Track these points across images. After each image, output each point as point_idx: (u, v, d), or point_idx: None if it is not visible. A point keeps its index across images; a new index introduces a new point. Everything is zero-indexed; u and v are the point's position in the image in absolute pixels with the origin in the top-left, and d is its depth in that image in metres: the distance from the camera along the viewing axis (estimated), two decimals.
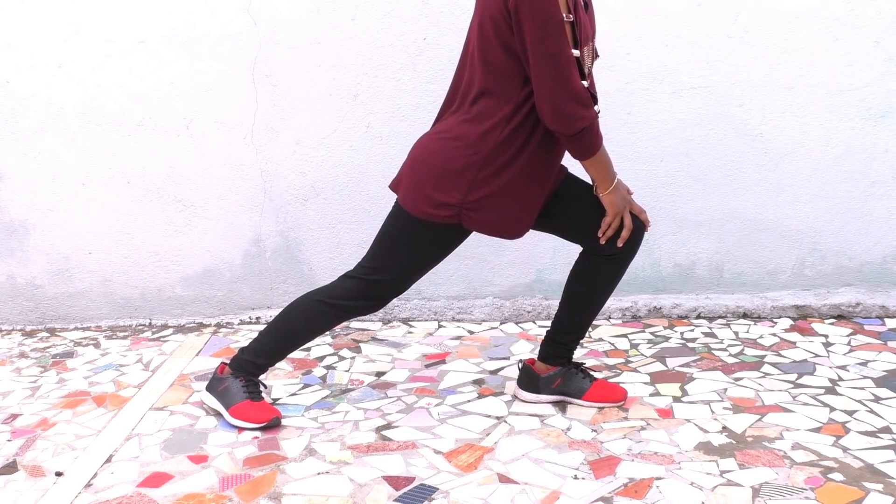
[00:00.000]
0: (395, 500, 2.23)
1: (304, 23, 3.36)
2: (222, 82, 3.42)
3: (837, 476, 2.25)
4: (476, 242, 3.47)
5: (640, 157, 3.41)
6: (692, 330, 3.34)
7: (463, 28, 3.32)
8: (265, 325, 3.21)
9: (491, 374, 2.99)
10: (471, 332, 3.41)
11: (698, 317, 3.46)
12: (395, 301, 3.55)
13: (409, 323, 3.54)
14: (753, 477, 2.26)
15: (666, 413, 2.63)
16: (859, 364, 2.95)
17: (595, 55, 2.43)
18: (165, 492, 2.31)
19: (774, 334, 3.26)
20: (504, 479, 2.31)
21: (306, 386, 2.95)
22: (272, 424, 2.61)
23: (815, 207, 3.42)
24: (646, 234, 3.43)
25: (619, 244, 2.50)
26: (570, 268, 3.52)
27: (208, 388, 2.72)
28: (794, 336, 3.24)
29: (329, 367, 3.10)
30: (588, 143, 2.33)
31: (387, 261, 2.50)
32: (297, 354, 3.21)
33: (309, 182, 3.49)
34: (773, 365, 2.97)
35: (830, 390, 2.76)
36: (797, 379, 2.85)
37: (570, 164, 2.52)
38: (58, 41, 3.41)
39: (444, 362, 3.11)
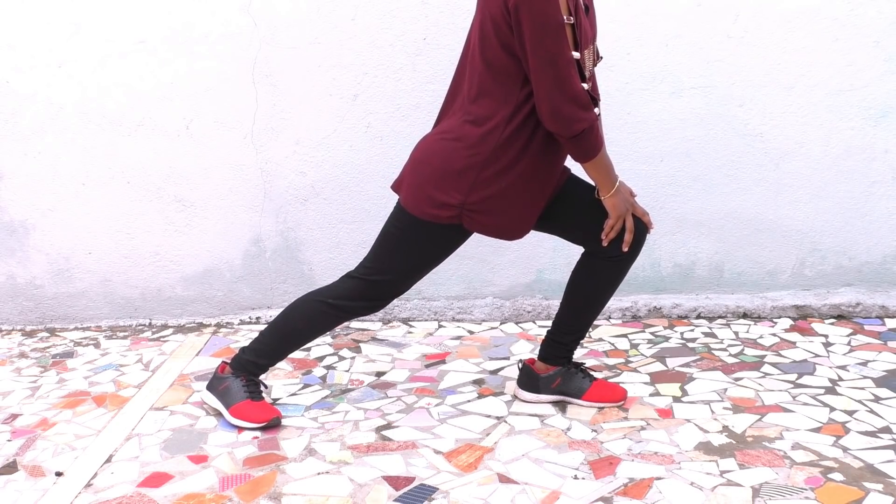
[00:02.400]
0: (395, 500, 2.23)
1: (304, 23, 3.36)
2: (222, 82, 3.42)
3: (837, 476, 2.25)
4: (476, 242, 3.47)
5: (640, 157, 3.41)
6: (692, 330, 3.34)
7: (463, 28, 3.32)
8: (265, 325, 3.20)
9: (491, 374, 2.99)
10: (471, 332, 3.41)
11: (698, 317, 3.46)
12: (395, 301, 3.54)
13: (409, 323, 3.54)
14: (753, 477, 2.26)
15: (666, 413, 2.63)
16: (859, 364, 2.95)
17: (598, 58, 2.43)
18: (165, 492, 2.31)
19: (774, 334, 3.26)
20: (504, 479, 2.31)
21: (306, 386, 2.95)
22: (272, 424, 2.61)
23: (815, 207, 3.42)
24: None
25: (624, 248, 2.49)
26: (570, 268, 3.52)
27: (209, 388, 2.72)
28: (794, 336, 3.24)
29: (329, 367, 3.10)
30: (588, 145, 2.33)
31: (388, 261, 2.50)
32: (297, 354, 3.21)
33: (309, 182, 3.49)
34: (773, 365, 2.97)
35: (830, 390, 2.76)
36: (797, 379, 2.85)
37: (574, 166, 2.52)
38: (58, 41, 3.41)
39: (444, 362, 3.11)
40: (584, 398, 2.67)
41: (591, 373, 2.78)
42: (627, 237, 2.48)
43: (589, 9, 2.39)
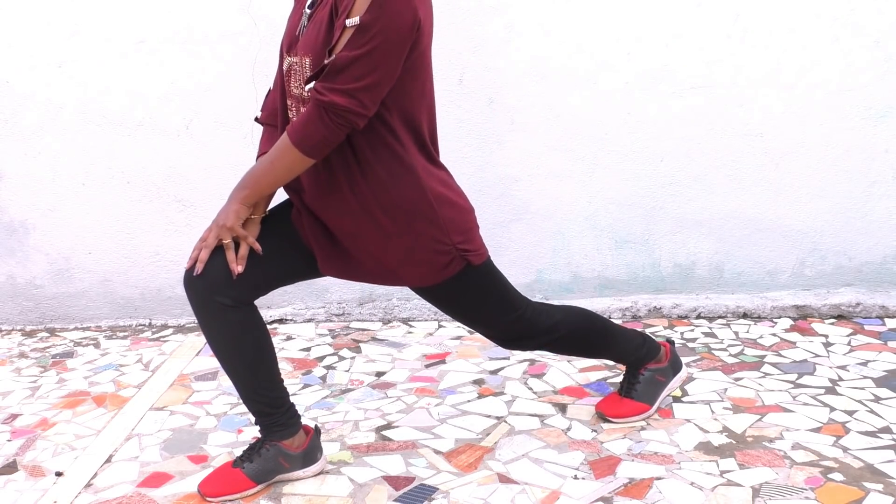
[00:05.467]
0: (395, 500, 2.23)
1: None
2: (222, 82, 3.42)
3: (837, 476, 2.25)
4: None
5: (640, 157, 3.41)
6: (692, 330, 3.33)
7: (463, 28, 3.32)
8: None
9: (491, 374, 2.99)
10: (471, 332, 3.40)
11: (698, 317, 3.46)
12: (395, 301, 3.56)
13: (409, 323, 3.54)
14: (753, 477, 2.26)
15: (666, 413, 2.63)
16: (859, 364, 2.95)
17: (300, 76, 2.06)
18: (165, 492, 2.31)
19: (774, 334, 3.26)
20: (504, 479, 2.31)
21: (306, 386, 2.95)
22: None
23: (815, 207, 3.42)
24: (646, 234, 3.47)
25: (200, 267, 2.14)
26: (570, 268, 3.54)
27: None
28: (794, 336, 3.24)
29: (329, 367, 3.10)
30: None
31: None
32: (297, 354, 3.22)
33: None
34: (773, 365, 2.97)
35: (830, 390, 2.76)
36: (797, 379, 2.85)
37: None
38: (58, 41, 3.41)
39: (444, 362, 3.11)
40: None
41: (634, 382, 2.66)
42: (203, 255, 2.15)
43: (314, 11, 2.06)
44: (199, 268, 2.13)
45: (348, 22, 1.92)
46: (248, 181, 2.11)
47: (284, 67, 2.11)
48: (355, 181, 2.06)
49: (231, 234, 2.12)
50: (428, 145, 2.14)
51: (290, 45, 2.11)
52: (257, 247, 2.14)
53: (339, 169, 2.07)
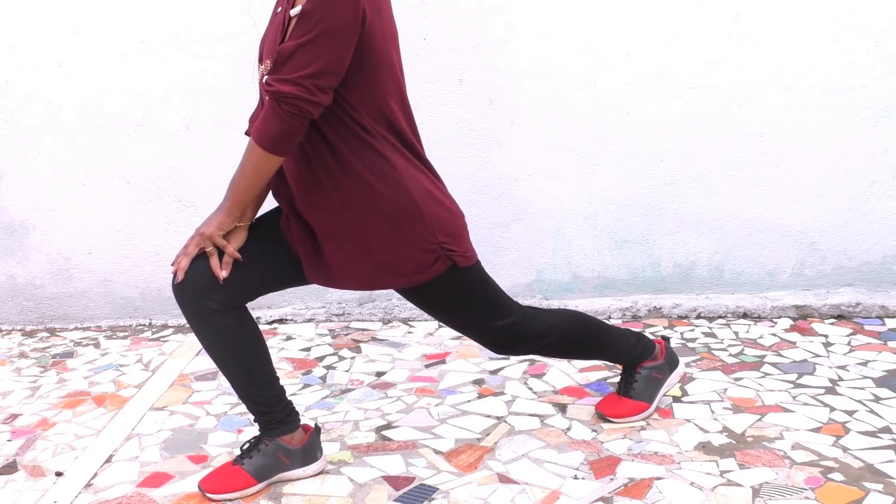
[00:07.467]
0: (395, 500, 2.23)
1: None
2: (222, 82, 3.42)
3: (837, 476, 2.25)
4: (475, 242, 3.47)
5: (640, 157, 3.41)
6: (692, 330, 3.33)
7: (463, 28, 3.32)
8: (265, 324, 3.14)
9: (491, 374, 2.99)
10: None
11: (698, 317, 3.46)
12: (395, 301, 3.56)
13: (409, 323, 3.54)
14: (753, 477, 2.26)
15: (666, 413, 2.63)
16: (859, 364, 2.95)
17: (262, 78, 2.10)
18: (165, 492, 2.31)
19: (774, 334, 3.26)
20: (504, 479, 2.31)
21: (306, 386, 2.95)
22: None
23: (815, 207, 3.42)
24: (646, 234, 3.47)
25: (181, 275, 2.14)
26: (570, 268, 3.53)
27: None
28: (794, 336, 3.24)
29: (329, 367, 3.10)
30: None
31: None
32: (297, 354, 3.22)
33: None
34: (773, 365, 2.97)
35: (830, 390, 2.76)
36: (797, 379, 2.85)
37: None
38: (58, 41, 3.41)
39: (444, 362, 3.11)
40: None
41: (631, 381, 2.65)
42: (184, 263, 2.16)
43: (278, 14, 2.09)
44: (179, 276, 2.14)
45: (292, 12, 1.98)
46: (228, 191, 2.13)
47: (258, 77, 2.13)
48: (337, 180, 2.07)
49: (211, 243, 2.13)
50: (414, 144, 2.15)
51: (260, 54, 2.14)
52: (238, 256, 2.14)
53: (319, 169, 2.08)
